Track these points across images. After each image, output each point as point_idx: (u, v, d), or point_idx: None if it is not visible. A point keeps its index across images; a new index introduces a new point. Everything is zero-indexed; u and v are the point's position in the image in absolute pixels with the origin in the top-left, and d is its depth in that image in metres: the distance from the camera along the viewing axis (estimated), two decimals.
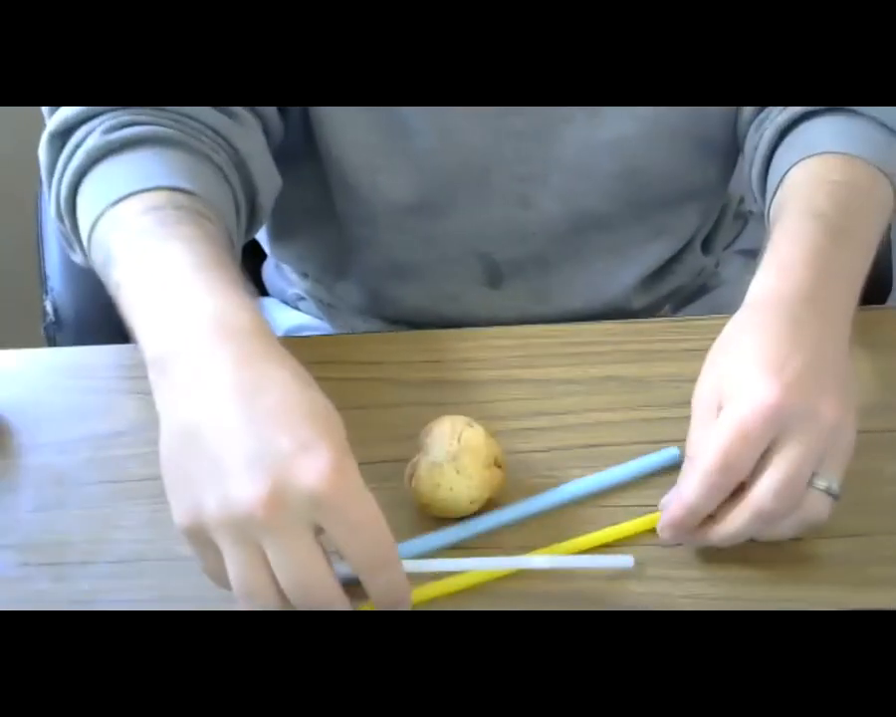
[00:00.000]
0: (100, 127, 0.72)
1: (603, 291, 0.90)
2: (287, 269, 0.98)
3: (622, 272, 0.90)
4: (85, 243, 0.70)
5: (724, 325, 0.67)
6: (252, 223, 0.79)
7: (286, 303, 1.00)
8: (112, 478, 0.72)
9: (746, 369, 0.63)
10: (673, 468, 0.71)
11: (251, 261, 1.03)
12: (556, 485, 0.70)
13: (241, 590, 0.56)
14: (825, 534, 0.67)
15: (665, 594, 0.65)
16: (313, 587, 0.56)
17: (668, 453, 0.71)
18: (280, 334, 0.96)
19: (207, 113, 0.74)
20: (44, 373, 0.79)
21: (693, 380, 0.74)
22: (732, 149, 0.88)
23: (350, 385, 0.77)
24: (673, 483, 0.70)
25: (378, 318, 0.93)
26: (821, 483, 0.63)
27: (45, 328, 0.96)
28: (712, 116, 0.86)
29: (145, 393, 0.76)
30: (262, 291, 1.03)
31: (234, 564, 0.55)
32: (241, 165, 0.76)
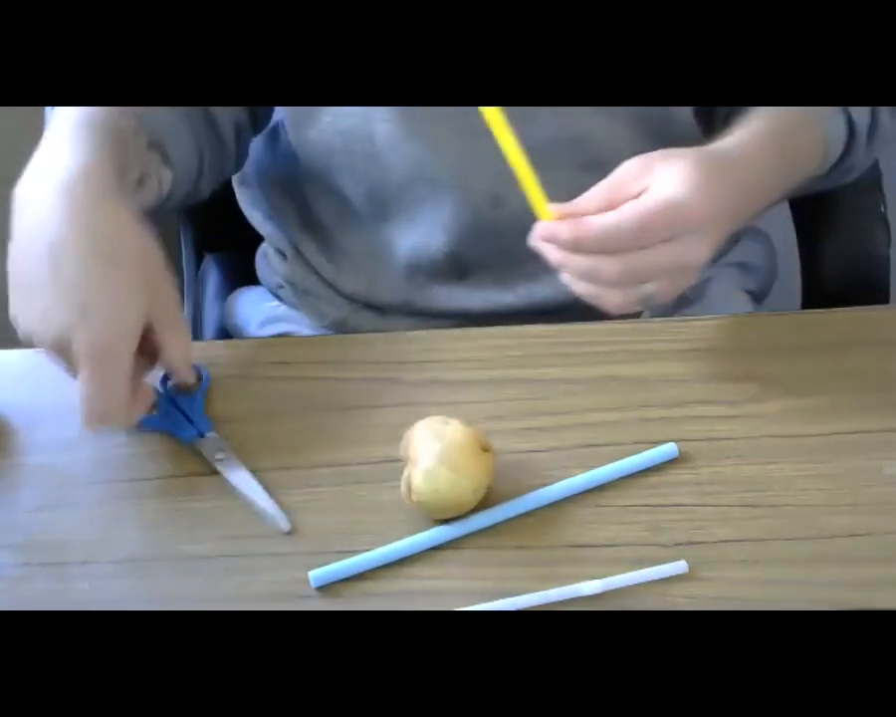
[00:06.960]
0: None
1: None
2: (270, 253, 0.99)
3: None
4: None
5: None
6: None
7: (271, 291, 1.01)
8: (112, 478, 0.72)
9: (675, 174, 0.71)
10: (671, 464, 0.71)
11: (246, 249, 1.03)
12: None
13: None
14: (825, 534, 0.67)
15: (664, 594, 0.65)
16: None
17: (666, 449, 0.71)
18: (253, 326, 0.97)
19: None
20: (44, 373, 0.79)
21: (693, 380, 0.74)
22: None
23: (350, 385, 0.77)
24: (671, 481, 0.70)
25: (365, 307, 0.93)
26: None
27: None
28: (678, 113, 0.88)
29: None
30: (255, 280, 1.03)
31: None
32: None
